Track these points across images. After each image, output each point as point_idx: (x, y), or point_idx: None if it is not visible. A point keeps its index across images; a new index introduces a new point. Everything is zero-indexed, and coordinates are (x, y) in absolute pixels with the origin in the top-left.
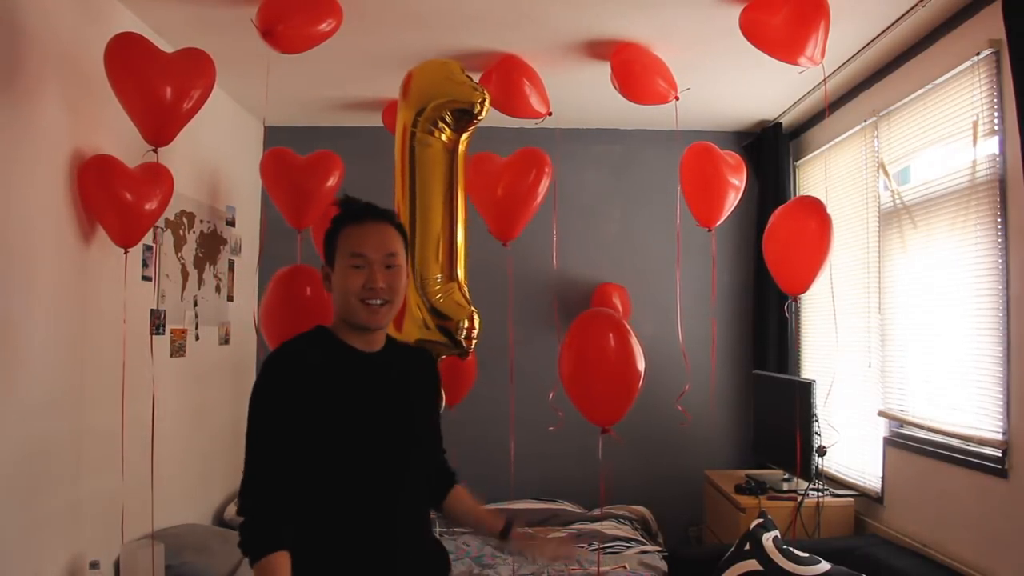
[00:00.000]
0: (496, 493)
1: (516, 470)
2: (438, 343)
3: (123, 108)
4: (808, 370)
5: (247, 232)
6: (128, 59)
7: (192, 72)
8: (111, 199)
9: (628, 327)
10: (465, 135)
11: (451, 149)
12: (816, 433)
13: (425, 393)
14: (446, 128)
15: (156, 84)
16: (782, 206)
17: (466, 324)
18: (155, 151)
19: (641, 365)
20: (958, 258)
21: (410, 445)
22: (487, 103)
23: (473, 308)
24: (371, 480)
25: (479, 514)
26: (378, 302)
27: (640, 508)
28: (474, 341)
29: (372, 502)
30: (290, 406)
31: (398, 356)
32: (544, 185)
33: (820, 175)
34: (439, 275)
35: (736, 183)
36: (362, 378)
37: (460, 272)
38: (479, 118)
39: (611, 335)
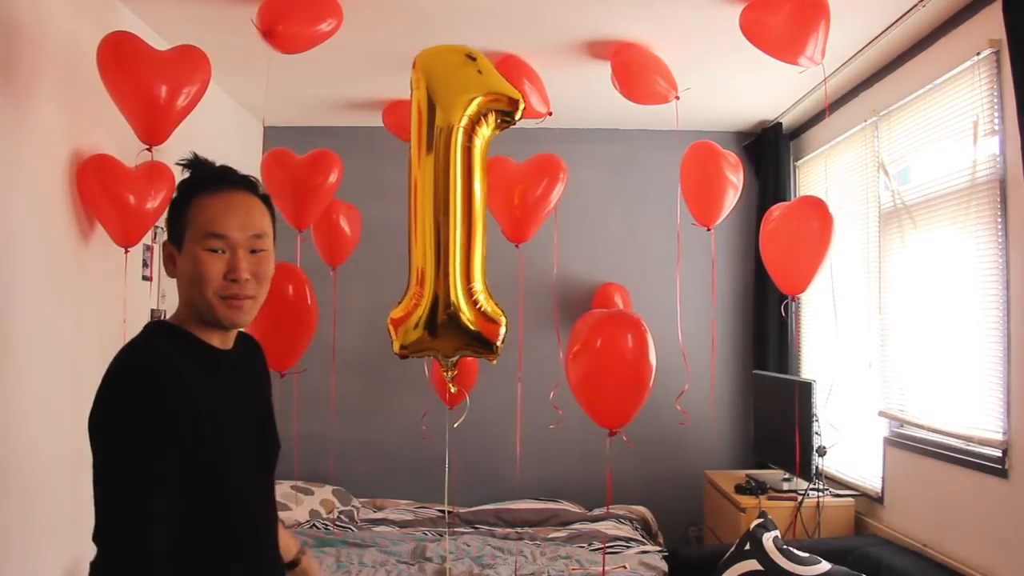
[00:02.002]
0: (497, 493)
1: (517, 470)
2: (470, 348)
3: (117, 107)
4: (808, 370)
5: None
6: (121, 58)
7: (186, 69)
8: (112, 199)
9: (645, 326)
10: (490, 135)
11: (476, 147)
12: (816, 433)
13: (268, 389)
14: (484, 127)
15: (150, 82)
16: (780, 205)
17: (503, 331)
18: (150, 150)
19: (653, 360)
20: (958, 258)
21: (275, 452)
22: (522, 106)
23: (504, 314)
24: (245, 500)
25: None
26: (242, 296)
27: (640, 508)
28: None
29: (244, 524)
30: (170, 431)
31: (245, 349)
32: (559, 191)
33: (820, 175)
34: (476, 281)
35: (735, 182)
36: (228, 384)
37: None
38: (516, 120)
39: (629, 336)
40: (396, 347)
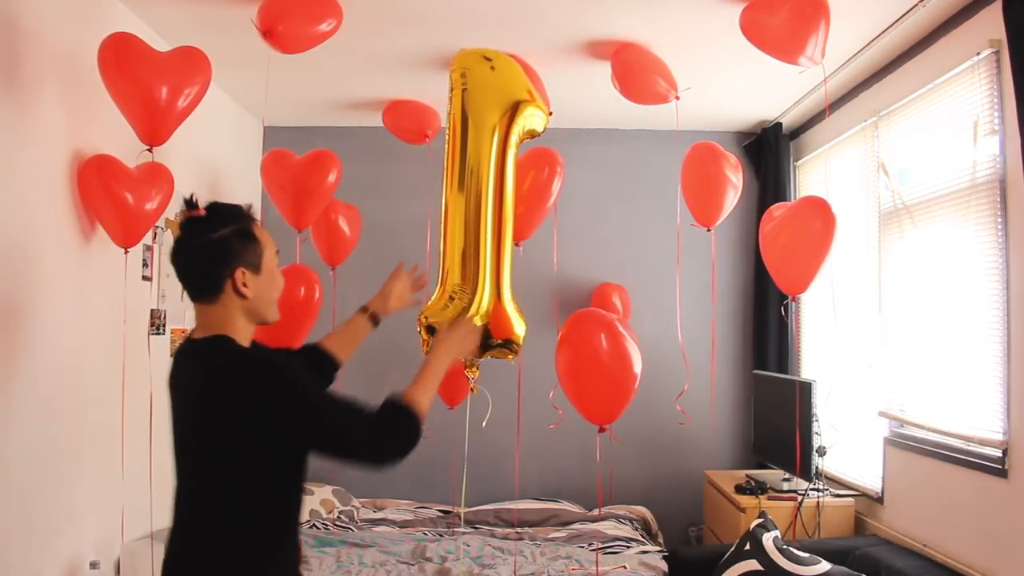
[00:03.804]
0: (498, 493)
1: (517, 470)
2: (495, 348)
3: (118, 108)
4: (808, 370)
5: None
6: (122, 59)
7: (187, 70)
8: (111, 199)
9: (619, 327)
10: (520, 140)
11: (509, 151)
12: (816, 433)
13: None
14: (516, 134)
15: (150, 84)
16: (781, 205)
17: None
18: (150, 150)
19: (638, 366)
20: (958, 258)
21: None
22: (547, 120)
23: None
24: None
25: (342, 328)
26: None
27: (640, 508)
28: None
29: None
30: None
31: None
32: (557, 184)
33: (820, 175)
34: (504, 284)
35: (736, 182)
36: None
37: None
38: (542, 130)
39: (602, 335)
40: (426, 348)
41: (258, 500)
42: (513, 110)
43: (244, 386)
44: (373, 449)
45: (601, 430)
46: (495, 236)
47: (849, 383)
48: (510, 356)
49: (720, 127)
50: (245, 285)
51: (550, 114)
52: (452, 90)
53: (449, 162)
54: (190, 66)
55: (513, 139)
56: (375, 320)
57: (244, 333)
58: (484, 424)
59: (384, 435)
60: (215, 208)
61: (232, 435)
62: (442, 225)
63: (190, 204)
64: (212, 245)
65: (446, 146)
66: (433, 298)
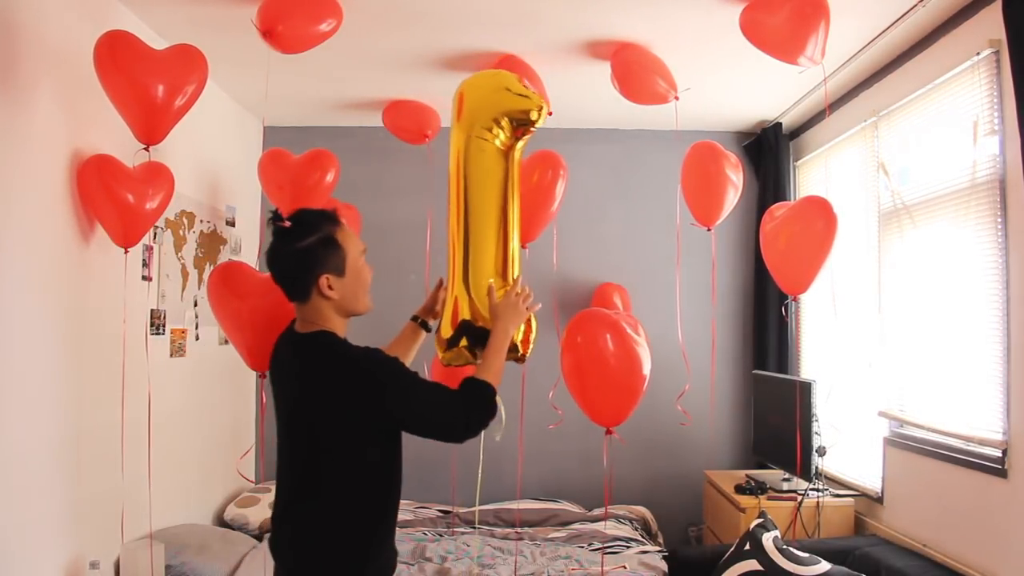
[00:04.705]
0: (498, 493)
1: (520, 469)
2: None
3: (114, 106)
4: (808, 370)
5: (247, 232)
6: (117, 57)
7: (183, 68)
8: (111, 199)
9: (626, 328)
10: (521, 141)
11: (505, 153)
12: (816, 433)
13: None
14: (501, 133)
15: (146, 82)
16: (782, 204)
17: (523, 328)
18: (147, 149)
19: (646, 368)
20: (958, 258)
21: None
22: (544, 111)
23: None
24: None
25: (399, 338)
26: None
27: (640, 508)
28: (531, 345)
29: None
30: None
31: None
32: (560, 188)
33: (820, 175)
34: (493, 280)
35: (736, 182)
36: None
37: (513, 277)
38: (536, 125)
39: (609, 336)
40: (439, 357)
41: (363, 482)
42: (500, 119)
43: (352, 378)
44: (462, 425)
45: (608, 432)
46: (501, 248)
47: (849, 383)
48: (520, 361)
49: (720, 127)
50: (330, 288)
51: (541, 108)
52: (452, 115)
53: (454, 200)
54: (186, 64)
55: (515, 154)
56: (426, 326)
57: (339, 326)
58: (498, 438)
59: (468, 411)
60: (300, 217)
61: (342, 423)
62: (449, 246)
63: (276, 216)
64: (298, 255)
65: (449, 168)
66: (445, 312)
